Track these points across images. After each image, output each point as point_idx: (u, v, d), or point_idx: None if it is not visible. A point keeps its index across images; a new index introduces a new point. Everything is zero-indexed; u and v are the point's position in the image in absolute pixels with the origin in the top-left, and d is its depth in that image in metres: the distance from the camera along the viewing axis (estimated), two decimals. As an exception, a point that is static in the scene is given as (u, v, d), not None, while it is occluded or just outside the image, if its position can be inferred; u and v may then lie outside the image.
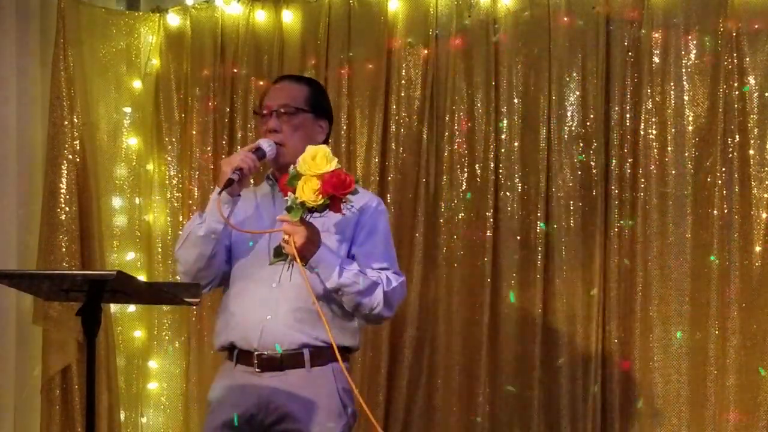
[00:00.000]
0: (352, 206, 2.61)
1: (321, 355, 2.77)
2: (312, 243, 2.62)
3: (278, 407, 2.75)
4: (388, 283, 2.76)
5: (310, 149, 2.53)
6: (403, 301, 2.91)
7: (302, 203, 2.51)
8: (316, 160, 2.50)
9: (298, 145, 2.78)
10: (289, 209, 2.55)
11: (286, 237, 2.59)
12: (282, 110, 2.86)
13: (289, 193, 2.54)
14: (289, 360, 2.74)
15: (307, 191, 2.49)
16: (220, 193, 2.70)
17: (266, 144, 2.82)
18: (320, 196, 2.48)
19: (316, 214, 2.58)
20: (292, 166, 2.57)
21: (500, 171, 3.86)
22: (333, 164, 2.50)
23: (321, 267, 2.67)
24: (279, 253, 2.65)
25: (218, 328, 2.90)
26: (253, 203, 2.92)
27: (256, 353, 2.77)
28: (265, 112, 2.90)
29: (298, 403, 2.71)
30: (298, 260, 2.58)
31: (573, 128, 3.79)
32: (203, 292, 2.85)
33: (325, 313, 2.72)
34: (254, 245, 2.85)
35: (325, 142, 2.95)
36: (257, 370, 2.77)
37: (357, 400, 2.72)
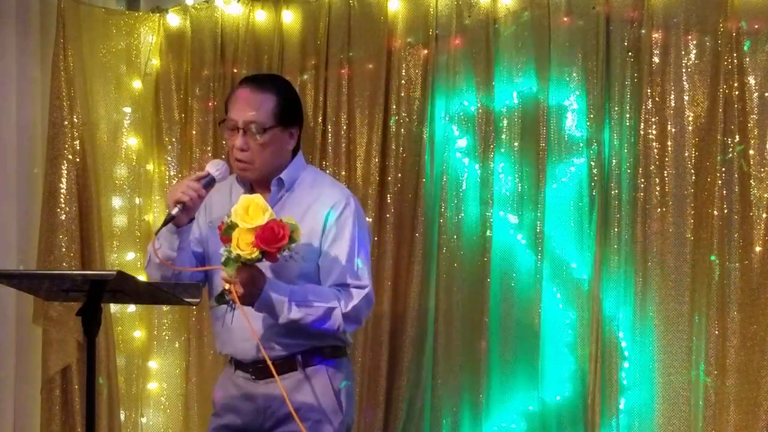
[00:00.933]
0: (296, 252, 2.60)
1: (313, 356, 2.79)
2: (254, 286, 2.59)
3: (275, 412, 2.79)
4: (346, 304, 2.71)
5: (244, 200, 2.51)
6: (371, 310, 2.86)
7: (237, 256, 2.50)
8: (249, 212, 2.48)
9: (267, 161, 2.77)
10: (225, 263, 2.54)
11: (227, 285, 2.58)
12: (250, 127, 2.75)
13: (224, 247, 2.53)
14: (283, 366, 2.75)
15: (242, 244, 2.48)
16: (157, 232, 2.66)
17: (214, 168, 2.74)
18: (255, 249, 2.47)
19: None
20: (227, 216, 2.53)
21: (500, 170, 3.86)
22: (266, 216, 2.47)
23: (269, 308, 2.64)
24: (221, 299, 2.65)
25: (215, 339, 2.94)
26: (228, 199, 2.85)
27: (250, 362, 2.80)
28: (231, 127, 2.78)
29: (295, 405, 2.71)
30: (241, 308, 2.58)
31: (573, 128, 3.79)
32: None
33: None
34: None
35: (297, 145, 2.90)
36: (252, 377, 2.81)
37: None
